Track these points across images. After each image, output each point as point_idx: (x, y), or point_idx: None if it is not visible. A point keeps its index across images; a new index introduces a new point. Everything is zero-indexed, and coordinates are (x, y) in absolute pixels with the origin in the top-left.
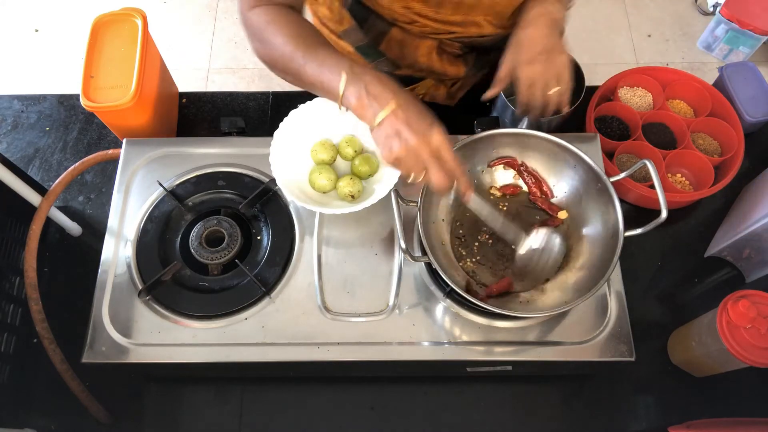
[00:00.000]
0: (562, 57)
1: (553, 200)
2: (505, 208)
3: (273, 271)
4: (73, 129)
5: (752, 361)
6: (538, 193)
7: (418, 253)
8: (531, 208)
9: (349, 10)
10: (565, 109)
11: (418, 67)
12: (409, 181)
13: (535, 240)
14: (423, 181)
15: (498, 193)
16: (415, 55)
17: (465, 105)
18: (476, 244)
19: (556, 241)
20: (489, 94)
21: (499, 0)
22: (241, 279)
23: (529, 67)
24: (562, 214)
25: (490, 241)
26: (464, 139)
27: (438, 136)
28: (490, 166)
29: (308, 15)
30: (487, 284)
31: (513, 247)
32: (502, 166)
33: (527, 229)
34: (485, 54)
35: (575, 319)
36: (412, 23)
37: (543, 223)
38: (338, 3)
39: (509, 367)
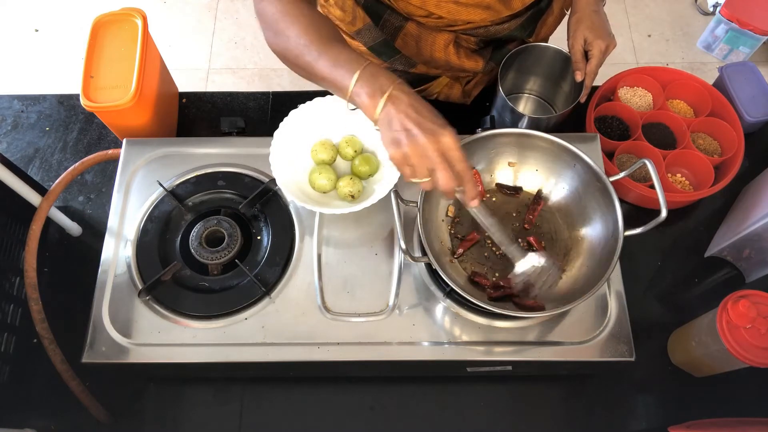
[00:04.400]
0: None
1: (553, 200)
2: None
3: (273, 271)
4: (73, 129)
5: (752, 361)
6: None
7: (418, 254)
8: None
9: (363, 7)
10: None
11: (435, 63)
12: (413, 182)
13: (533, 259)
14: (429, 184)
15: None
16: (432, 49)
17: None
18: (477, 244)
19: (552, 264)
20: (579, 77)
21: None
22: (241, 279)
23: (602, 43)
24: None
25: (490, 241)
26: (464, 139)
27: (449, 137)
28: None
29: None
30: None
31: (513, 262)
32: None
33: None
34: (502, 47)
35: (575, 319)
36: (428, 16)
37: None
38: (351, 1)
39: (509, 367)
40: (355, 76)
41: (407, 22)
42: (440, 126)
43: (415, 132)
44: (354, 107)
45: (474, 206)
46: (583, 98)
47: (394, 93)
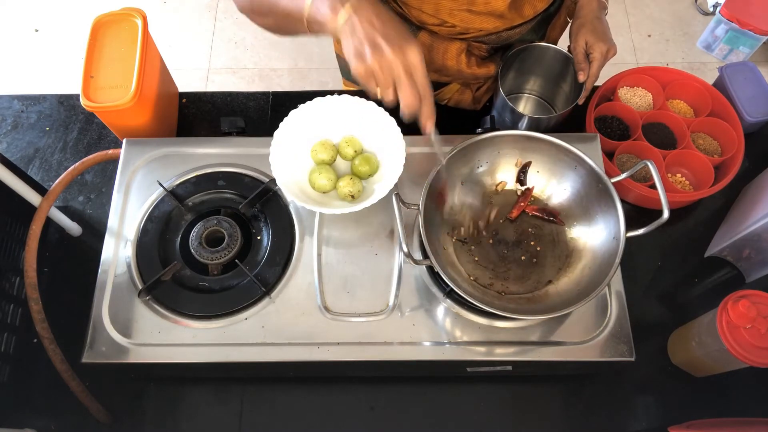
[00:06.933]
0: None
1: (555, 202)
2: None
3: (273, 271)
4: (73, 129)
5: (752, 361)
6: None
7: (418, 256)
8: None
9: None
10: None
11: (446, 72)
12: (375, 97)
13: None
14: (391, 96)
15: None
16: (444, 58)
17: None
18: (478, 246)
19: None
20: (582, 77)
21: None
22: (241, 279)
23: (603, 46)
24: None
25: (491, 241)
26: (466, 140)
27: (415, 52)
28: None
29: None
30: (488, 286)
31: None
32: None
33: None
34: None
35: (575, 319)
36: (441, 24)
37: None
38: None
39: (509, 367)
40: None
41: (420, 32)
42: (406, 39)
43: (381, 44)
44: (315, 30)
45: (429, 129)
46: (581, 100)
47: (357, 1)
